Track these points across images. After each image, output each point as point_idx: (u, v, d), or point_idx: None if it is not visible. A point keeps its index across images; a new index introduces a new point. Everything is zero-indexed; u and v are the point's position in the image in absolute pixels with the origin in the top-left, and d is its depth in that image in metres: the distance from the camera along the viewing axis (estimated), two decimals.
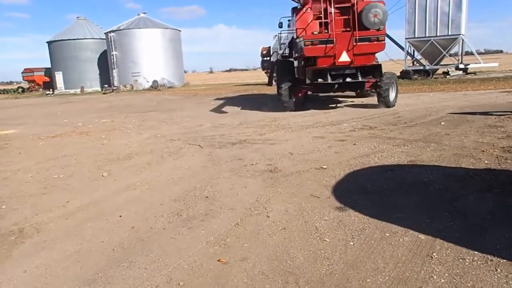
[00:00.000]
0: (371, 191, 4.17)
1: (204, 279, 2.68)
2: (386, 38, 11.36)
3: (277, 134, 7.99)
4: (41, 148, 8.15)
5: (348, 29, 10.55)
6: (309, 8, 10.90)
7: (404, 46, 22.46)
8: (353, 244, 3.03)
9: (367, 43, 10.47)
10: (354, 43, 10.41)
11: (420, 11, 20.81)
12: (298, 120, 9.77)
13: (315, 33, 10.77)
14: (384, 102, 10.85)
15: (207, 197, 4.35)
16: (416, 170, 4.82)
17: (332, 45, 10.39)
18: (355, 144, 6.51)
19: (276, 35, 16.07)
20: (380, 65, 11.49)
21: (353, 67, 10.64)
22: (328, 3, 10.54)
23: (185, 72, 45.37)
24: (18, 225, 3.88)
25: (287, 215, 3.68)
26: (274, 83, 16.57)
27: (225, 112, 12.73)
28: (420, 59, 23.25)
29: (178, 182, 5.02)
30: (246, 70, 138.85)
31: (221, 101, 17.12)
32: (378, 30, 10.45)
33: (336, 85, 10.91)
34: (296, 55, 12.33)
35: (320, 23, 10.76)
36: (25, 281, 2.82)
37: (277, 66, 13.74)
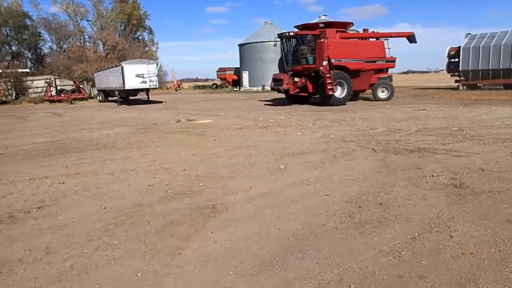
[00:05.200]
0: None
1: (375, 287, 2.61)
2: None
3: (464, 145, 7.07)
4: (230, 137, 9.32)
5: None
6: None
7: None
8: None
9: None
10: None
11: None
12: (492, 132, 8.42)
13: None
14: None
15: (380, 203, 4.20)
16: None
17: None
18: None
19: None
20: None
21: None
22: None
23: None
24: (211, 201, 4.55)
25: (475, 239, 3.24)
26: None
27: (401, 116, 11.98)
28: None
29: (350, 183, 5.00)
30: (426, 72, 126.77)
31: (396, 105, 16.17)
32: None
33: None
34: None
35: None
36: (215, 251, 3.29)
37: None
